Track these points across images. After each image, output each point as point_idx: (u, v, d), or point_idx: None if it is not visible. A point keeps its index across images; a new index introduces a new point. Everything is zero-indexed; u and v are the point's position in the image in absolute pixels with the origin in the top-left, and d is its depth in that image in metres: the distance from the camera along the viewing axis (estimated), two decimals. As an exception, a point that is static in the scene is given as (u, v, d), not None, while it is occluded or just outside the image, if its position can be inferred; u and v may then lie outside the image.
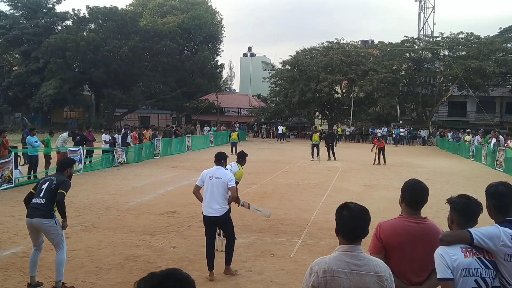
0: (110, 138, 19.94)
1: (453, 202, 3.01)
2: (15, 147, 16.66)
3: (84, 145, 18.09)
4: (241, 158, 8.57)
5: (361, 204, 2.74)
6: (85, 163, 17.90)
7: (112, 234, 8.56)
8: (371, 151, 22.95)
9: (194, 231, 8.94)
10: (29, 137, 15.80)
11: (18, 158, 15.17)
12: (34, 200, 5.84)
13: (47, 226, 5.72)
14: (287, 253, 7.56)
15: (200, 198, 6.63)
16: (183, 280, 1.87)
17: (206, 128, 41.57)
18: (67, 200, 11.57)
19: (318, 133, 24.71)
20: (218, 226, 6.66)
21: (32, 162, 15.24)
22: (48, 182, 5.89)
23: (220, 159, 6.77)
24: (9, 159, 13.38)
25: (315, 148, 23.70)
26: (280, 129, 43.51)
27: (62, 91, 44.60)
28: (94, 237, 8.29)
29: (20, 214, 10.09)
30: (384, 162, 22.20)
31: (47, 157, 16.17)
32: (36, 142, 15.58)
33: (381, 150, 22.37)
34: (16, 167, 13.93)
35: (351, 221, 2.64)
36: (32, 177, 14.99)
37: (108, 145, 19.64)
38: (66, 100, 47.66)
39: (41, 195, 5.80)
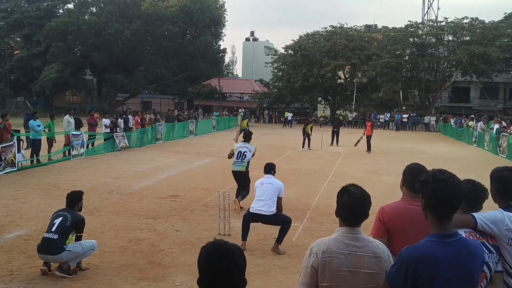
0: (110, 122, 19.94)
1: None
2: (18, 131, 16.68)
3: (80, 128, 18.11)
4: (249, 137, 9.85)
5: (362, 189, 2.74)
6: (87, 146, 17.95)
7: (115, 218, 8.61)
8: (361, 137, 21.51)
9: (196, 215, 8.99)
10: (31, 121, 15.80)
11: (21, 142, 15.20)
12: (46, 235, 5.80)
13: (63, 258, 5.75)
14: (289, 237, 7.59)
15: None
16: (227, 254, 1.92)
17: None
18: (71, 184, 11.65)
19: (311, 124, 23.03)
20: (267, 223, 7.08)
21: (34, 146, 15.24)
22: (62, 218, 5.85)
23: (270, 170, 7.41)
24: (11, 142, 13.41)
25: (306, 138, 22.22)
26: (290, 115, 43.26)
27: (64, 75, 44.39)
28: (97, 220, 8.34)
29: (23, 197, 10.17)
30: (369, 149, 21.18)
31: (50, 141, 16.20)
32: (38, 126, 15.58)
33: (367, 137, 21.28)
34: (18, 151, 13.97)
35: (351, 207, 2.65)
36: (35, 161, 15.03)
37: (108, 130, 19.64)
38: (68, 84, 47.46)
39: (53, 229, 5.77)
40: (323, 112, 50.21)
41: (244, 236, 6.99)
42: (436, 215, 2.36)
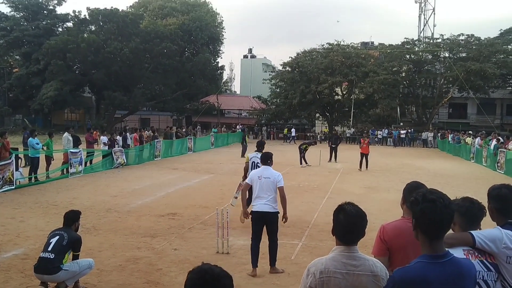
0: (108, 139, 19.96)
1: (456, 205, 3.00)
2: (16, 149, 16.67)
3: (79, 146, 18.12)
4: (261, 146, 10.05)
5: (358, 207, 2.73)
6: (85, 164, 17.92)
7: (113, 236, 8.56)
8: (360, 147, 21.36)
9: (195, 233, 8.94)
10: (30, 138, 15.81)
11: (19, 160, 15.15)
12: (42, 255, 5.74)
13: (60, 278, 5.70)
14: (288, 255, 7.56)
15: (245, 199, 7.29)
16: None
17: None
18: (69, 202, 11.60)
19: (309, 147, 22.90)
20: (265, 223, 6.71)
21: (33, 164, 15.23)
22: (58, 237, 5.80)
23: (267, 160, 7.06)
24: (9, 161, 13.38)
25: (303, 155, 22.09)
26: (293, 131, 43.55)
27: (62, 93, 44.56)
28: (95, 239, 8.29)
29: (21, 216, 10.11)
30: (367, 167, 20.67)
31: (48, 159, 16.18)
32: (37, 144, 15.58)
33: (364, 155, 20.72)
34: (17, 169, 13.93)
35: (347, 226, 2.65)
36: (33, 179, 14.99)
37: (106, 147, 19.65)
38: (66, 102, 47.64)
39: (49, 249, 5.71)
40: (326, 128, 50.25)
41: (255, 262, 6.62)
42: (426, 235, 2.37)
